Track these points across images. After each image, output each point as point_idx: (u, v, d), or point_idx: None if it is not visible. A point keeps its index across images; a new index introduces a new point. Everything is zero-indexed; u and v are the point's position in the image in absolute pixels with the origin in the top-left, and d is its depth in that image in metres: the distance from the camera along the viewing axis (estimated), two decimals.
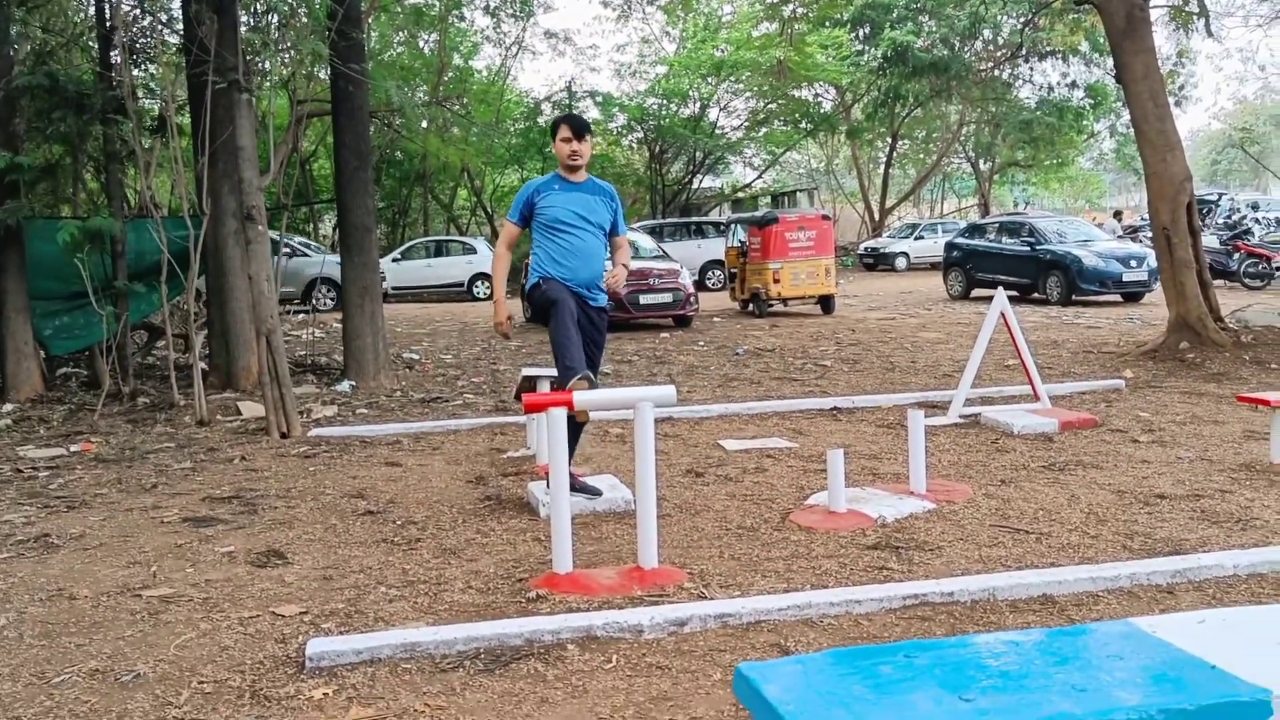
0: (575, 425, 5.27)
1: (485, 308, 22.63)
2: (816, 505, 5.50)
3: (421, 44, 29.60)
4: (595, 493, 5.62)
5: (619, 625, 3.82)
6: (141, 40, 10.61)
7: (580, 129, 5.45)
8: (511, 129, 32.76)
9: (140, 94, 11.86)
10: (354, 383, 10.28)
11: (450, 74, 30.87)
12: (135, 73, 10.92)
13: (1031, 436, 7.30)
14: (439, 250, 27.62)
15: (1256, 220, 26.02)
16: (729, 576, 4.47)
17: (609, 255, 5.68)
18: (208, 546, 5.14)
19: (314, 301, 22.65)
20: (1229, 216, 25.64)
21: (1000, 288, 8.14)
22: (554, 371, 6.47)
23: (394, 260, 25.94)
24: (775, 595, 4.10)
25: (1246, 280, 19.64)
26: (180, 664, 3.69)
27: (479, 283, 25.95)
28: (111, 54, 9.98)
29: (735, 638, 3.79)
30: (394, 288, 25.09)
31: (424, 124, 25.20)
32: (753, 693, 1.87)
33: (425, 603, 4.27)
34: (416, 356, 12.94)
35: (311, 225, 31.23)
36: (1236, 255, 20.28)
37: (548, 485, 5.62)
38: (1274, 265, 19.45)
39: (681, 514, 5.50)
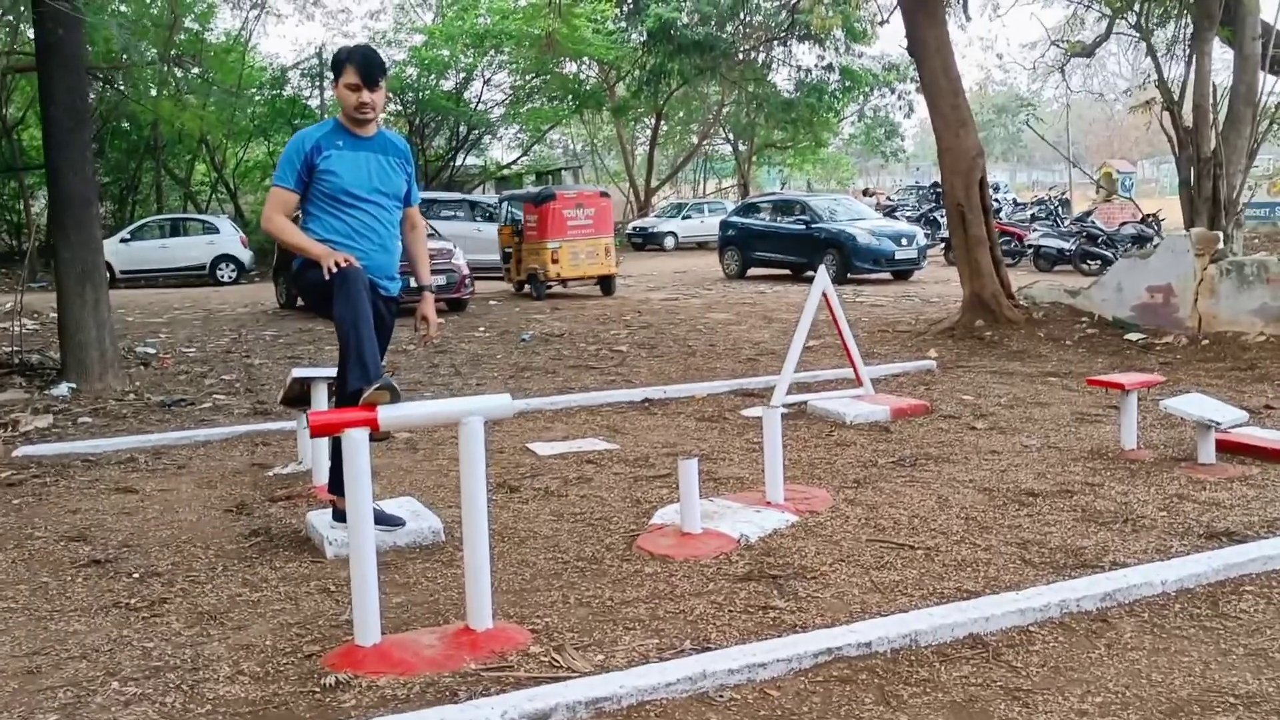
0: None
1: (230, 292, 20.59)
2: (666, 525, 4.64)
3: (148, 1, 26.61)
4: (397, 523, 4.52)
5: None
6: None
7: (372, 75, 4.18)
8: (256, 98, 30.19)
9: None
10: (74, 385, 8.59)
11: (183, 35, 27.99)
12: None
13: (865, 426, 6.75)
14: (175, 229, 25.07)
15: (997, 200, 27.52)
16: (583, 632, 3.53)
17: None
18: None
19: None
20: None
21: (822, 268, 7.60)
22: (330, 371, 5.32)
23: (122, 241, 23.33)
24: (655, 665, 3.20)
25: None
26: None
27: (222, 265, 23.74)
28: None
29: None
30: (123, 272, 22.55)
31: (154, 90, 22.65)
32: None
33: (178, 703, 3.10)
34: (153, 350, 11.21)
35: (21, 203, 27.56)
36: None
37: (334, 516, 4.51)
38: (1025, 243, 20.30)
39: (503, 543, 4.51)
